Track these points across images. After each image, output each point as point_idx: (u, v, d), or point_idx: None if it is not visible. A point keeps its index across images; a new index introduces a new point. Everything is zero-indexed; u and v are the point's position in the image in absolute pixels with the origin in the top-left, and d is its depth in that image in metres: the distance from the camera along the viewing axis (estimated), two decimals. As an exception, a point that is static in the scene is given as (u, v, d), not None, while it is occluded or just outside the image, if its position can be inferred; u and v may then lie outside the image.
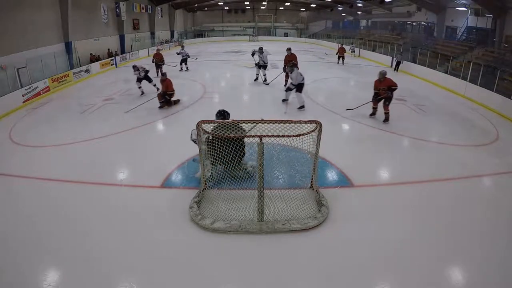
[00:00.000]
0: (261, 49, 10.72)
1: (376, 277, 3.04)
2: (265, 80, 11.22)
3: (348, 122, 7.39)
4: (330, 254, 3.30)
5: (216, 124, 3.96)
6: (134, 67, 9.65)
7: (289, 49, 10.53)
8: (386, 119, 7.30)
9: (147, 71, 9.77)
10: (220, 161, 3.88)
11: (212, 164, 4.23)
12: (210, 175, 4.26)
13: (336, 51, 17.51)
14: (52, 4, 13.40)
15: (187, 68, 14.13)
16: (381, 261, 3.21)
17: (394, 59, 15.26)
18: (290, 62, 9.87)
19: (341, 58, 16.47)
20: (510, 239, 3.58)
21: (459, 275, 3.09)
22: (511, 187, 4.77)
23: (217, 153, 3.78)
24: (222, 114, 4.67)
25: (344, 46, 17.86)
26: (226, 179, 4.03)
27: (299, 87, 7.99)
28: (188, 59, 14.28)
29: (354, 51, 20.60)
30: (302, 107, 8.15)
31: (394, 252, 3.34)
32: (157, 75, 12.06)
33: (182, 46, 15.49)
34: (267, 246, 3.41)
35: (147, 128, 7.02)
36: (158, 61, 12.73)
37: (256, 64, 11.23)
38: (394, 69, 14.86)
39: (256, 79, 11.49)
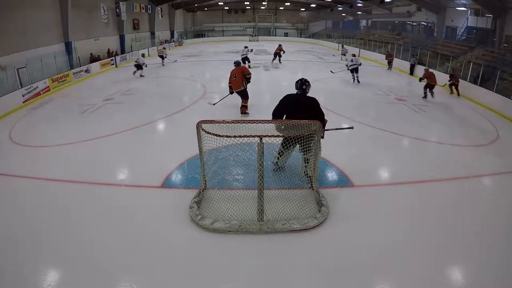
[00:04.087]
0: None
1: (376, 277, 3.03)
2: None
3: (348, 122, 7.38)
4: (330, 254, 3.30)
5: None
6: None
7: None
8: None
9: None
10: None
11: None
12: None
13: (385, 57, 16.43)
14: (52, 4, 13.40)
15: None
16: (381, 261, 3.21)
17: (408, 62, 14.59)
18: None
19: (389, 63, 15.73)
20: (510, 239, 3.58)
21: (459, 275, 3.08)
22: (511, 187, 4.77)
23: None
24: (304, 83, 4.52)
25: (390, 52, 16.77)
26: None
27: None
28: None
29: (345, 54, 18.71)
30: None
31: (394, 252, 3.34)
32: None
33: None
34: (267, 246, 3.41)
35: (147, 128, 7.02)
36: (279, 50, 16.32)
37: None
38: (410, 73, 14.21)
39: None
